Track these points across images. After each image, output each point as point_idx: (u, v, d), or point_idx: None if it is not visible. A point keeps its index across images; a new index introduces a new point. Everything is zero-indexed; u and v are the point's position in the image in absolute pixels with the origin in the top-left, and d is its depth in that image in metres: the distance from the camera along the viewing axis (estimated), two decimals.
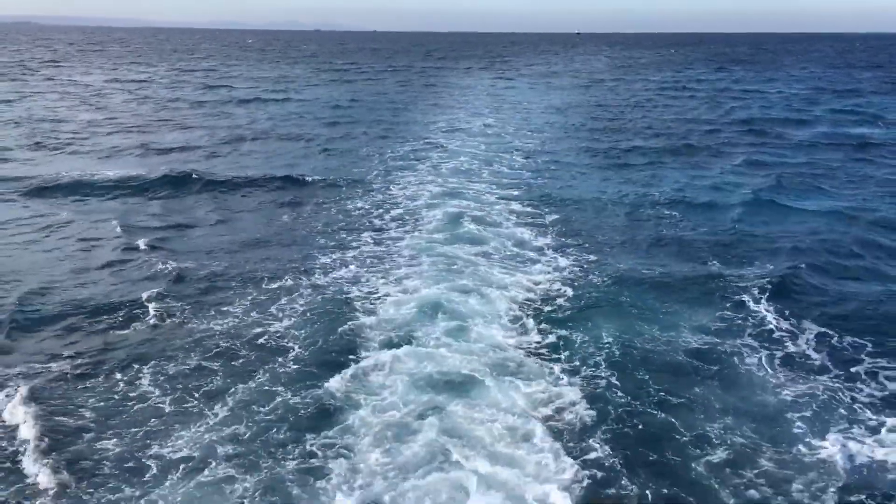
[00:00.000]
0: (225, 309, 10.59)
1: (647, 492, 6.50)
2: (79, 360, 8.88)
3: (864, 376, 8.56)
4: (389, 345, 9.29)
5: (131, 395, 8.08)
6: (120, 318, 10.13)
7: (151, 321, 10.09)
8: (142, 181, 19.37)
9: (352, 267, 12.67)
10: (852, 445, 7.11)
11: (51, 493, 6.42)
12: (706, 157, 24.21)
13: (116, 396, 8.07)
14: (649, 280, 11.97)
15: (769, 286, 11.42)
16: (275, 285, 11.59)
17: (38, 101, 38.85)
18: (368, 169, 21.43)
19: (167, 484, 6.52)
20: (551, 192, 18.66)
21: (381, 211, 16.68)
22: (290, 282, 11.79)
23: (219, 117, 33.55)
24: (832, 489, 6.52)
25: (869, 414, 7.71)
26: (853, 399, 8.02)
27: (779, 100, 43.24)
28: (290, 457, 6.93)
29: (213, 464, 6.80)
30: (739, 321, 10.25)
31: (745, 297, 11.07)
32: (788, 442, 7.22)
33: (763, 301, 10.89)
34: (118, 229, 14.84)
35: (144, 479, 6.61)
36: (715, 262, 12.99)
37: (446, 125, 31.21)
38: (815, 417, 7.64)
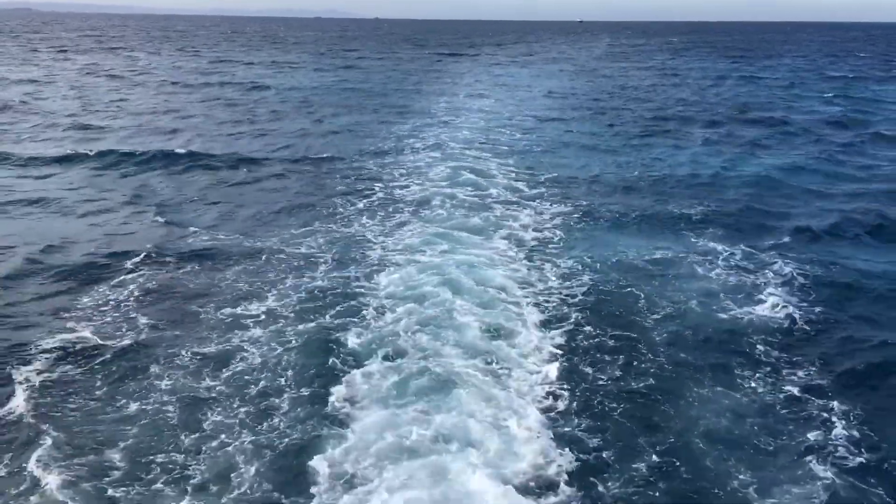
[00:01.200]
0: (262, 239, 12.92)
1: (605, 332, 9.14)
2: (169, 268, 11.41)
3: (765, 265, 11.69)
4: (401, 254, 11.87)
5: (214, 280, 10.88)
6: (188, 248, 12.49)
7: (208, 246, 12.53)
8: (171, 158, 20.35)
9: (364, 209, 14.96)
10: (755, 305, 10.13)
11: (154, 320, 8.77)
12: (690, 134, 26.21)
13: (203, 280, 10.88)
14: (626, 220, 14.54)
15: (720, 225, 14.13)
16: (301, 229, 13.62)
17: (56, 82, 40.88)
18: (375, 143, 23.14)
19: (241, 332, 8.99)
20: (545, 159, 20.86)
21: (389, 169, 18.89)
22: (313, 222, 14.03)
23: (227, 100, 34.87)
24: (737, 327, 9.42)
25: (771, 288, 10.71)
26: (757, 279, 11.09)
27: (769, 84, 45.19)
28: (325, 317, 9.48)
29: (273, 320, 9.35)
30: (694, 245, 12.87)
31: (701, 232, 13.70)
32: (713, 302, 10.25)
33: (711, 231, 13.68)
34: (159, 197, 16.34)
35: (228, 330, 9.10)
36: (682, 209, 15.32)
37: (448, 105, 33.22)
38: (733, 290, 10.70)
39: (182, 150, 21.31)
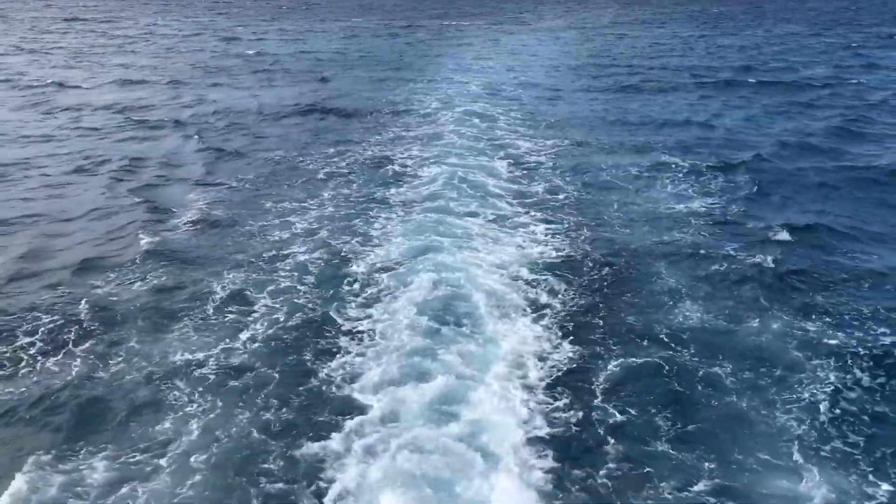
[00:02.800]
0: (302, 159, 15.80)
1: (581, 216, 12.18)
2: (206, 203, 13.49)
3: (710, 179, 14.66)
4: (417, 165, 14.68)
5: (256, 195, 13.56)
6: (241, 172, 15.46)
7: (255, 172, 15.30)
8: (197, 117, 21.55)
9: (384, 143, 17.45)
10: (699, 200, 12.97)
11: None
12: (684, 93, 27.88)
13: (258, 192, 13.62)
14: (607, 149, 17.19)
15: (686, 156, 16.49)
16: (334, 148, 16.51)
17: (63, 49, 42.91)
18: (389, 96, 25.12)
19: (295, 218, 11.78)
20: (545, 107, 23.15)
21: (404, 116, 21.23)
22: (339, 145, 16.83)
23: (241, 65, 35.39)
24: (677, 212, 12.51)
25: (717, 197, 13.50)
26: (703, 189, 13.98)
27: (771, 50, 46.44)
28: (351, 215, 12.31)
29: (316, 216, 12.14)
30: (663, 168, 15.45)
31: (669, 162, 16.02)
32: (668, 201, 13.34)
33: (679, 156, 16.28)
34: (205, 143, 18.11)
35: (285, 213, 12.06)
36: (658, 145, 17.69)
37: (457, 66, 35.02)
38: (683, 195, 13.56)
39: (212, 108, 22.99)
